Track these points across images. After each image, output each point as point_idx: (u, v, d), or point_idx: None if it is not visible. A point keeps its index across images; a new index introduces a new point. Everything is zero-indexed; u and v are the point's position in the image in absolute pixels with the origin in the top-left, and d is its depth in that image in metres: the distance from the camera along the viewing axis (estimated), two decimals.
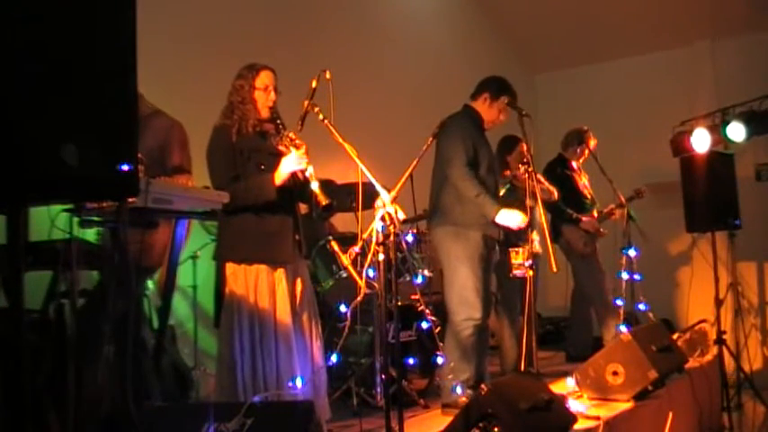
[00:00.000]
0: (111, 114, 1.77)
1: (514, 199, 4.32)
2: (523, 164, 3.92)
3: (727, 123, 5.62)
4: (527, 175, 3.89)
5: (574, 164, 5.52)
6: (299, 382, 3.02)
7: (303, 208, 3.47)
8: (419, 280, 3.95)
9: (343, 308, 3.20)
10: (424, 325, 3.78)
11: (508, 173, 4.52)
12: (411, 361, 4.30)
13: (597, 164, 5.22)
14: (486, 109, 3.93)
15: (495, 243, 3.90)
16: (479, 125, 3.94)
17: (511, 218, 3.70)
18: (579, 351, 5.28)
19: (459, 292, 3.73)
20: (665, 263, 6.96)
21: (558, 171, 5.40)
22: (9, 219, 1.70)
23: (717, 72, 7.01)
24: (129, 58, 1.82)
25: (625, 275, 4.82)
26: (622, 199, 5.17)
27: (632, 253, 4.82)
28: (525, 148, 3.92)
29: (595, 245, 5.37)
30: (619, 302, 4.81)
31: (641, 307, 4.76)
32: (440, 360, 3.72)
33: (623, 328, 4.60)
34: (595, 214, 5.42)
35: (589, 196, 5.49)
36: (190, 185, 2.85)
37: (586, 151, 5.47)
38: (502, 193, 4.24)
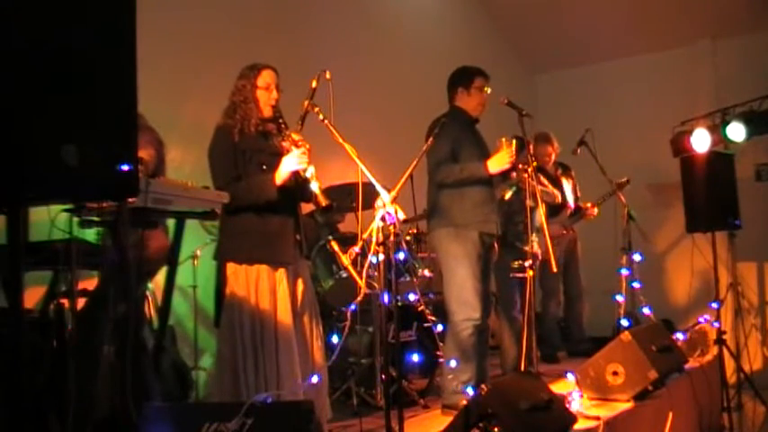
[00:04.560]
0: (110, 114, 1.78)
1: (518, 200, 4.33)
2: (524, 164, 3.92)
3: (727, 123, 5.63)
4: (527, 176, 3.90)
5: (548, 167, 5.58)
6: (315, 379, 3.03)
7: (308, 207, 3.47)
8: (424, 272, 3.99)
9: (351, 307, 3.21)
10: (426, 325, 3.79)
11: (514, 175, 4.55)
12: (416, 357, 4.30)
13: (597, 164, 5.23)
14: (468, 99, 3.95)
15: (492, 240, 3.91)
16: (468, 121, 3.97)
17: (500, 161, 3.73)
18: (551, 350, 5.43)
19: (458, 292, 3.73)
20: (665, 263, 6.97)
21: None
22: (9, 219, 1.70)
23: (717, 72, 7.00)
24: (130, 59, 1.82)
25: (624, 272, 4.84)
26: (623, 199, 5.18)
27: (637, 258, 4.84)
28: (531, 149, 3.95)
29: (561, 249, 5.47)
30: (619, 299, 4.83)
31: (645, 311, 4.78)
32: (440, 360, 3.72)
33: (624, 323, 4.64)
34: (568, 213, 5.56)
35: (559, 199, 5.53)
36: (190, 186, 2.85)
37: (551, 154, 5.57)
38: (508, 195, 4.25)
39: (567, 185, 5.61)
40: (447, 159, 3.77)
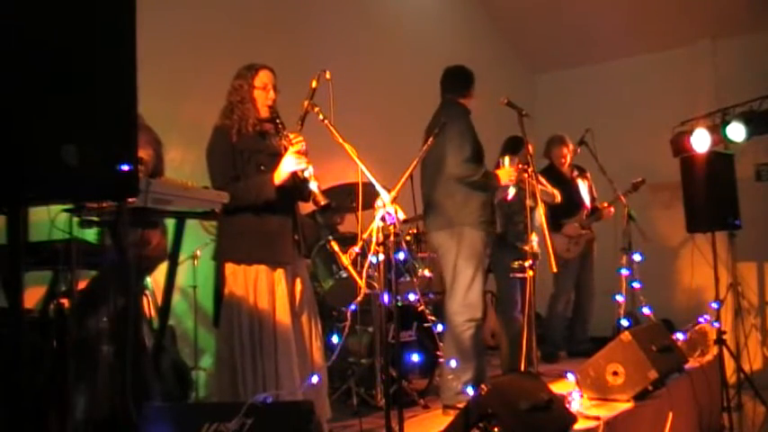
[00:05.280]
0: (110, 114, 1.78)
1: (518, 200, 4.33)
2: (523, 164, 3.93)
3: (727, 123, 5.63)
4: (527, 176, 3.90)
5: (564, 169, 5.56)
6: (314, 379, 3.02)
7: (307, 207, 3.47)
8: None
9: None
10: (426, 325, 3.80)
11: None
12: (416, 357, 4.29)
13: (597, 164, 5.24)
14: (473, 101, 4.04)
15: (492, 238, 3.93)
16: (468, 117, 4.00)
17: (506, 176, 3.87)
18: (552, 349, 5.46)
19: (463, 293, 3.74)
20: (665, 263, 6.96)
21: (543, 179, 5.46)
22: (9, 219, 1.70)
23: (717, 72, 6.99)
24: (130, 59, 1.82)
25: (624, 272, 4.85)
26: (623, 199, 5.19)
27: (637, 258, 4.84)
28: (531, 149, 3.96)
29: (579, 248, 5.51)
30: (619, 299, 4.83)
31: (645, 311, 4.78)
32: (440, 360, 3.72)
33: (624, 323, 4.64)
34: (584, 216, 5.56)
35: (576, 200, 5.53)
36: (190, 186, 2.84)
37: (567, 156, 5.55)
38: (510, 196, 4.27)
39: (583, 186, 5.63)
40: (474, 158, 3.82)
